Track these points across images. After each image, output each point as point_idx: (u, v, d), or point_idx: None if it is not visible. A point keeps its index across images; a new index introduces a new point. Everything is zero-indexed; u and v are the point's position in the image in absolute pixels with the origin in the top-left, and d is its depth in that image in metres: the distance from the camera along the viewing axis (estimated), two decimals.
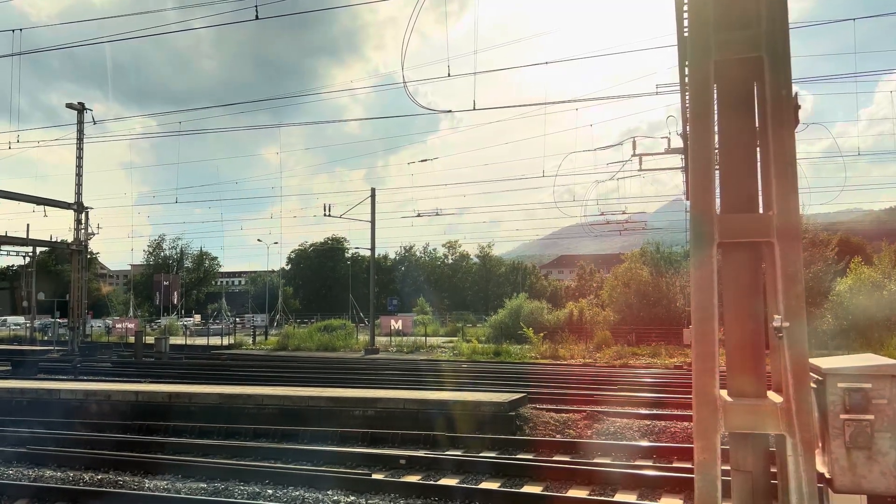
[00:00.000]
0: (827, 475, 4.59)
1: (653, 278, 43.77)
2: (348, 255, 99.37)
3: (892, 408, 4.46)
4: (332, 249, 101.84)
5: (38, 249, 45.11)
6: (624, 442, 12.39)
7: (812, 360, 4.52)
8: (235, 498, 9.25)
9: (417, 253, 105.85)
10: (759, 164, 4.63)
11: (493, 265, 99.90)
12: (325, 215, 40.75)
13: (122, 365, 31.60)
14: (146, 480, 10.24)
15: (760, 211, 4.62)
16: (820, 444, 4.61)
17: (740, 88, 4.68)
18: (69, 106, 38.59)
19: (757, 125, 4.64)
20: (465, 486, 9.62)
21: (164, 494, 9.40)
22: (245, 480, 10.03)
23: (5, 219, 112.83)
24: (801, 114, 4.49)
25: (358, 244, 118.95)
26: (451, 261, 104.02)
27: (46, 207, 38.51)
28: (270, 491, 9.55)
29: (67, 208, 38.75)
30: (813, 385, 4.45)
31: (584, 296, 52.90)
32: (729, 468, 4.69)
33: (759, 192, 4.65)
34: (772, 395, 4.55)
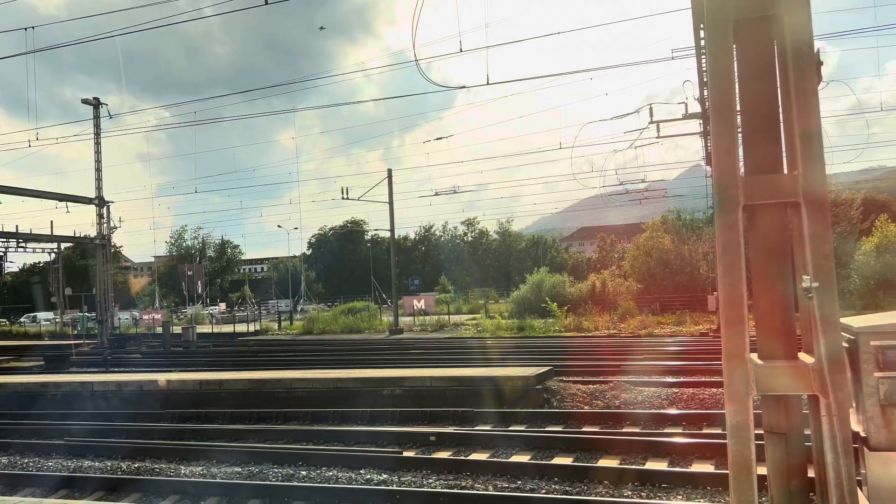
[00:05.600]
0: (862, 434, 4.55)
1: (675, 246, 43.46)
2: (368, 237, 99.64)
3: None
4: (351, 232, 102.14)
5: (63, 245, 45.65)
6: (652, 410, 12.38)
7: (842, 320, 4.47)
8: (270, 480, 9.40)
9: (437, 232, 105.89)
10: (782, 123, 4.54)
11: (512, 240, 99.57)
12: (343, 198, 40.87)
13: (151, 355, 32.06)
14: (182, 467, 10.44)
15: (785, 171, 4.54)
16: (854, 404, 4.57)
17: (760, 47, 4.57)
18: (85, 102, 38.88)
19: (779, 84, 4.54)
20: (495, 460, 9.70)
21: (201, 480, 9.57)
22: (279, 463, 10.18)
23: (29, 216, 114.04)
24: (824, 70, 4.39)
25: (377, 225, 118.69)
26: (470, 238, 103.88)
27: (68, 203, 39.05)
28: (304, 472, 9.69)
29: (89, 203, 39.23)
30: (844, 344, 4.40)
31: (605, 267, 52.59)
32: (762, 431, 4.67)
33: (784, 153, 4.57)
34: (803, 356, 4.50)
